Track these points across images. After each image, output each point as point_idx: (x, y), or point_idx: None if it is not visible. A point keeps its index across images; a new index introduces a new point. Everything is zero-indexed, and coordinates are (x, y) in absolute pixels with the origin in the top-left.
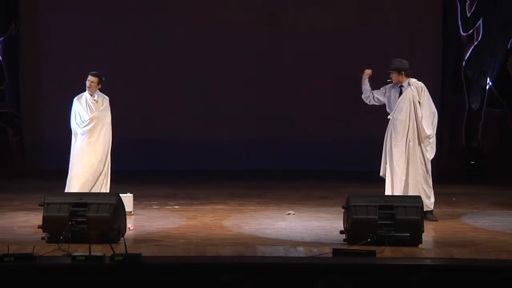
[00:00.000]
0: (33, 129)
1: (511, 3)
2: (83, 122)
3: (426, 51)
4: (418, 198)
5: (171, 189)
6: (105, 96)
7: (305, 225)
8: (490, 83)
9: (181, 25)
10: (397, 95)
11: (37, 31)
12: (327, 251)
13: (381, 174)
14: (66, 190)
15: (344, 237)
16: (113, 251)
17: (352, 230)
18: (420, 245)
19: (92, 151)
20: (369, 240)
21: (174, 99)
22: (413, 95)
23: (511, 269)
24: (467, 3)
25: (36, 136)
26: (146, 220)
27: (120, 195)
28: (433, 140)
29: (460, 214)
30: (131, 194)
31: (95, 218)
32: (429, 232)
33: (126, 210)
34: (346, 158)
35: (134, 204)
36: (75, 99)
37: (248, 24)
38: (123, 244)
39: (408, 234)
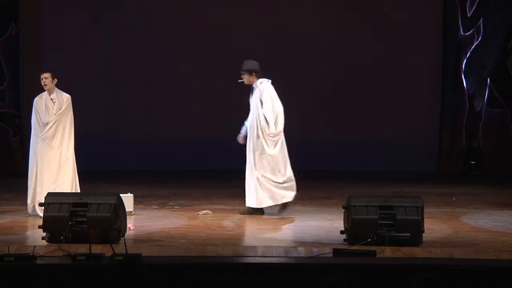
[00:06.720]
0: None
1: (511, 3)
2: (44, 124)
3: (426, 51)
4: (418, 198)
5: (171, 189)
6: (65, 95)
7: (305, 225)
8: (490, 83)
9: (182, 25)
10: (251, 96)
11: (37, 31)
12: (327, 251)
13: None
14: (32, 198)
15: (344, 237)
16: (113, 251)
17: (352, 230)
18: (420, 245)
19: (57, 156)
20: (369, 240)
21: (174, 99)
22: (257, 96)
23: (511, 269)
24: (467, 3)
25: None
26: (146, 220)
27: (120, 195)
28: (278, 137)
29: (460, 214)
30: (131, 194)
31: (95, 218)
32: (429, 232)
33: (127, 210)
34: (346, 158)
35: (134, 204)
36: (35, 99)
37: (248, 24)
38: (123, 244)
39: (408, 234)
